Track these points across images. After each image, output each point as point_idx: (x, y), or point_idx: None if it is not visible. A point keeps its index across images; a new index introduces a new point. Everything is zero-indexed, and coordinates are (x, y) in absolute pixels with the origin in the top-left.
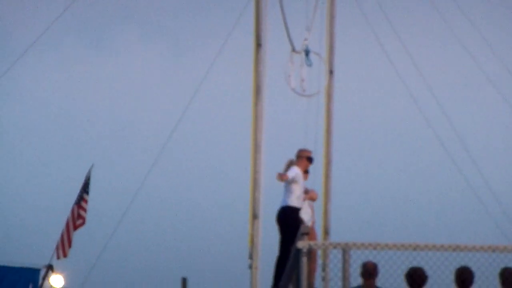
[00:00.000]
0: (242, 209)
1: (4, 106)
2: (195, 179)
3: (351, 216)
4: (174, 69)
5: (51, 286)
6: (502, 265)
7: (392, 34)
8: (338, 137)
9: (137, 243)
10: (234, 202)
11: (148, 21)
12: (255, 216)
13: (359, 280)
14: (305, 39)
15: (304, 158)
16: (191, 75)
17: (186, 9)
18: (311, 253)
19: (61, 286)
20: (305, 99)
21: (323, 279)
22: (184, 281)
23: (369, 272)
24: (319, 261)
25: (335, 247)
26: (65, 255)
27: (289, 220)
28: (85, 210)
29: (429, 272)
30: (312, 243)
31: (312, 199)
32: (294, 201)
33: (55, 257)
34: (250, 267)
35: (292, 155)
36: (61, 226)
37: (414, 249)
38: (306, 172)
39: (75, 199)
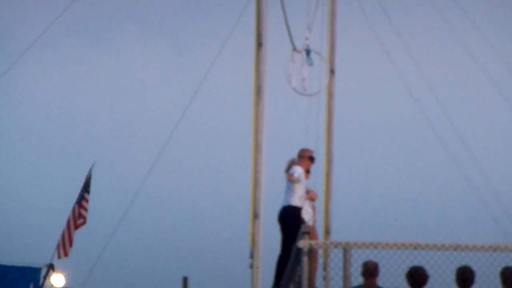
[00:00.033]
0: (243, 208)
1: (4, 106)
2: (196, 179)
3: (352, 215)
4: (175, 69)
5: (52, 285)
6: (503, 265)
7: (393, 33)
8: (339, 136)
9: (138, 242)
10: (235, 201)
11: (148, 20)
12: (256, 216)
13: (360, 280)
14: (306, 38)
15: (306, 158)
16: (191, 75)
17: (187, 8)
18: (312, 253)
19: (62, 285)
20: (306, 98)
21: (324, 278)
22: (185, 281)
23: (370, 271)
24: (320, 261)
25: (336, 247)
26: (66, 254)
27: (291, 219)
28: (86, 209)
29: (430, 271)
30: (313, 242)
31: (312, 199)
32: (296, 201)
33: (56, 256)
34: (251, 266)
35: (293, 155)
36: (62, 225)
37: (415, 248)
38: (307, 171)
39: (75, 198)
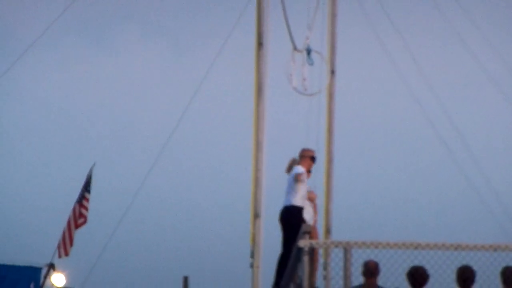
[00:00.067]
0: (243, 208)
1: (4, 106)
2: (196, 179)
3: (353, 215)
4: (175, 69)
5: (53, 284)
6: (504, 264)
7: (394, 33)
8: (340, 136)
9: (138, 242)
10: (236, 201)
11: (148, 20)
12: (256, 215)
13: (360, 279)
14: (307, 38)
15: (308, 158)
16: (191, 75)
17: (187, 8)
18: (312, 252)
19: (63, 284)
20: (306, 98)
21: (325, 278)
22: (185, 280)
23: (371, 271)
24: (321, 260)
25: (336, 246)
26: (66, 254)
27: (293, 219)
28: (86, 208)
29: (430, 271)
30: (313, 242)
31: (311, 199)
32: (298, 201)
33: (56, 255)
34: (252, 266)
35: (294, 154)
36: (62, 225)
37: (416, 248)
38: (308, 171)
39: (76, 198)
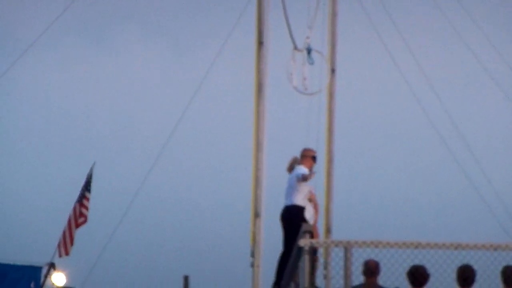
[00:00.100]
0: (243, 207)
1: (4, 106)
2: (196, 179)
3: (353, 214)
4: (175, 69)
5: (53, 284)
6: (504, 263)
7: (394, 32)
8: (340, 135)
9: (139, 241)
10: (236, 200)
11: (148, 20)
12: (257, 215)
13: (361, 279)
14: (307, 37)
15: (309, 158)
16: (191, 75)
17: (187, 8)
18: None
19: (63, 284)
20: (307, 98)
21: (325, 277)
22: (186, 280)
23: (371, 270)
24: (321, 259)
25: (337, 245)
26: (67, 253)
27: (296, 218)
28: (87, 208)
29: (431, 270)
30: (314, 241)
31: (310, 200)
32: (301, 201)
33: (57, 255)
34: (252, 265)
35: (294, 154)
36: (63, 224)
37: (416, 247)
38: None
39: (76, 198)
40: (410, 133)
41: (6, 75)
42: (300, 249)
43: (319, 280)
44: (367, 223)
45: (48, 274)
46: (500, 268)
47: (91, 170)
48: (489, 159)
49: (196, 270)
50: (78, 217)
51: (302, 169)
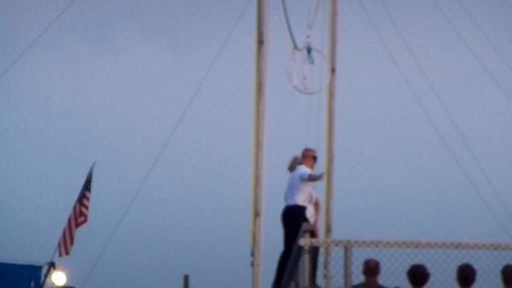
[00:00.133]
0: (243, 207)
1: (4, 106)
2: (196, 179)
3: (353, 213)
4: (175, 68)
5: (53, 283)
6: (504, 263)
7: (394, 32)
8: (340, 135)
9: (139, 241)
10: (236, 200)
11: (148, 20)
12: (257, 214)
13: (361, 278)
14: (307, 37)
15: (310, 158)
16: (191, 75)
17: (187, 8)
18: (313, 251)
19: (63, 283)
20: (307, 97)
21: (325, 276)
22: (186, 279)
23: (371, 269)
24: (321, 259)
25: (337, 245)
26: (67, 253)
27: (298, 218)
28: (87, 207)
29: (431, 269)
30: (314, 240)
31: (310, 200)
32: (302, 201)
33: (57, 254)
34: (252, 264)
35: (294, 153)
36: (63, 224)
37: (416, 246)
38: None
39: (76, 197)
40: (410, 133)
41: (6, 75)
42: (300, 248)
43: (319, 279)
44: (367, 223)
45: (48, 273)
46: (500, 267)
47: (91, 169)
48: (489, 159)
49: (196, 270)
50: (78, 216)
51: (304, 169)
